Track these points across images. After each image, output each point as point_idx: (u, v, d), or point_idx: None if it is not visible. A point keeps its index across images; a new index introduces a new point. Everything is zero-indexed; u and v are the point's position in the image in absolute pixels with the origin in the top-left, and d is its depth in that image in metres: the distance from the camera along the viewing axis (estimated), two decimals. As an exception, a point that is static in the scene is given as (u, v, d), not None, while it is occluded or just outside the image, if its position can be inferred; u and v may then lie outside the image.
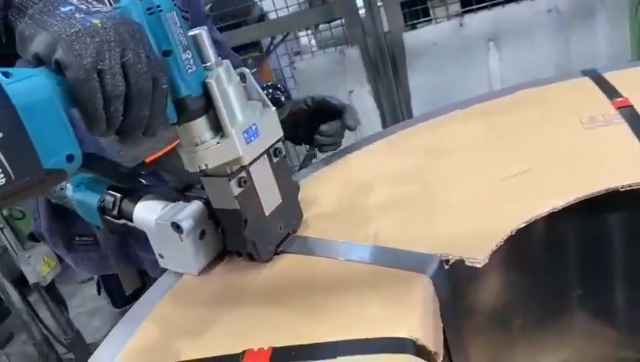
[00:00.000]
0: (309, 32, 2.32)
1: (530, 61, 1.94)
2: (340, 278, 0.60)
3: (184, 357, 0.55)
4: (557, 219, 0.62)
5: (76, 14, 0.45)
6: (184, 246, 0.64)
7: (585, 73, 0.95)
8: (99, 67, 0.45)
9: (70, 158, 0.45)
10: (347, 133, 0.97)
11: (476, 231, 0.62)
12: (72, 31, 0.44)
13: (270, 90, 0.69)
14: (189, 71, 0.55)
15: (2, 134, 0.40)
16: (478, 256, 0.57)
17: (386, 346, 0.49)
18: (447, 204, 0.69)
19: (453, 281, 0.60)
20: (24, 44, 0.46)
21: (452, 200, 0.70)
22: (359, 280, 0.59)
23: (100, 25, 0.45)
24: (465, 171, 0.75)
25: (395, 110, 2.00)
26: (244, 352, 0.52)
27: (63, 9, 0.45)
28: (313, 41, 2.33)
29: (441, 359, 0.51)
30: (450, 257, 0.58)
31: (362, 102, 2.00)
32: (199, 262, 0.67)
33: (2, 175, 0.40)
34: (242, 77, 0.63)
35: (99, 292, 2.28)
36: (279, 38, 2.22)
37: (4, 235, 2.05)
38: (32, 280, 2.06)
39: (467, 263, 0.57)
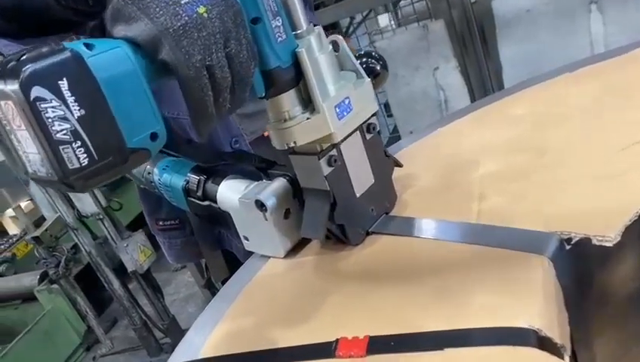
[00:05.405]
0: (389, 12, 2.24)
1: (638, 22, 1.73)
2: (441, 261, 0.54)
3: (274, 344, 0.52)
4: None
5: None
6: (268, 226, 0.61)
7: None
8: (207, 63, 0.43)
9: (154, 137, 0.43)
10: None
11: (603, 205, 0.53)
12: (179, 24, 0.41)
13: (364, 59, 0.63)
14: (279, 40, 0.51)
15: (85, 111, 0.37)
16: (607, 233, 0.49)
17: (502, 338, 0.42)
18: (565, 176, 0.60)
19: (577, 264, 0.52)
20: (117, 23, 0.43)
21: (571, 171, 0.61)
22: (464, 262, 0.53)
23: (206, 15, 0.42)
24: (583, 138, 0.66)
25: (485, 86, 1.88)
26: (337, 340, 0.48)
27: None
28: (392, 22, 2.24)
29: (569, 353, 0.44)
30: (572, 235, 0.50)
31: (448, 78, 1.89)
32: (285, 243, 0.63)
33: (85, 155, 0.38)
34: (335, 45, 0.58)
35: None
36: (358, 18, 2.16)
37: (104, 226, 2.17)
38: (130, 268, 2.17)
39: (594, 242, 0.49)
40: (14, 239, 2.87)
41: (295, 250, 0.65)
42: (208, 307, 0.63)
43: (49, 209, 2.15)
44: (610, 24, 1.72)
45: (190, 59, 0.42)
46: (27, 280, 2.37)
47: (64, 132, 0.36)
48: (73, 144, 0.37)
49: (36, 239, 2.11)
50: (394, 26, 2.17)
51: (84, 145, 0.37)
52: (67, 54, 0.37)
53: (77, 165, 0.37)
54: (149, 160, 0.43)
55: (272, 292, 0.61)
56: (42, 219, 2.32)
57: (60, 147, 0.36)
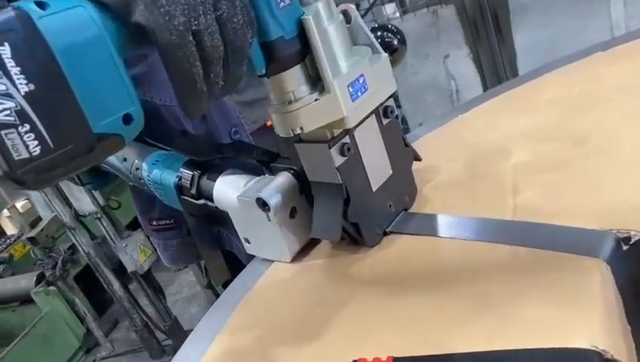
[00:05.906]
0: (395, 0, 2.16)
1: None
2: (474, 265, 0.46)
3: (279, 365, 0.44)
4: None
5: None
6: (272, 227, 0.54)
7: None
8: (193, 27, 0.35)
9: (128, 119, 0.35)
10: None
11: (664, 198, 0.45)
12: None
13: (380, 33, 0.55)
14: (281, 5, 0.43)
15: (34, 86, 0.30)
16: (673, 230, 0.41)
17: (558, 361, 0.35)
18: (610, 165, 0.52)
19: (634, 266, 0.44)
20: None
21: (616, 159, 0.53)
22: (502, 266, 0.45)
23: None
24: (629, 122, 0.58)
25: (499, 74, 1.80)
26: (355, 362, 0.40)
27: None
28: (397, 14, 2.17)
29: (640, 379, 0.36)
30: (632, 233, 0.42)
31: (460, 67, 1.82)
32: (291, 245, 0.56)
33: (36, 142, 0.30)
34: (346, 16, 0.50)
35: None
36: (364, 6, 2.08)
37: (103, 225, 2.10)
38: (129, 268, 2.10)
39: (660, 241, 0.41)
40: (11, 239, 2.82)
41: (303, 251, 0.57)
42: (205, 317, 0.56)
43: (45, 208, 2.09)
44: (631, 6, 1.64)
45: (171, 21, 0.34)
46: (24, 281, 2.31)
47: (7, 112, 0.29)
48: (20, 128, 0.29)
49: (32, 240, 2.04)
50: (398, 15, 2.10)
51: (34, 129, 0.29)
52: (10, 13, 0.29)
53: (26, 155, 0.29)
54: (122, 148, 0.35)
55: (277, 301, 0.54)
56: (39, 218, 2.25)
57: (3, 132, 0.29)
